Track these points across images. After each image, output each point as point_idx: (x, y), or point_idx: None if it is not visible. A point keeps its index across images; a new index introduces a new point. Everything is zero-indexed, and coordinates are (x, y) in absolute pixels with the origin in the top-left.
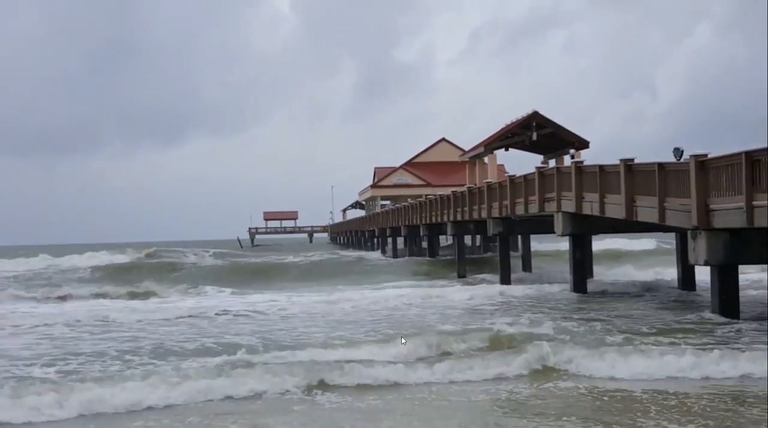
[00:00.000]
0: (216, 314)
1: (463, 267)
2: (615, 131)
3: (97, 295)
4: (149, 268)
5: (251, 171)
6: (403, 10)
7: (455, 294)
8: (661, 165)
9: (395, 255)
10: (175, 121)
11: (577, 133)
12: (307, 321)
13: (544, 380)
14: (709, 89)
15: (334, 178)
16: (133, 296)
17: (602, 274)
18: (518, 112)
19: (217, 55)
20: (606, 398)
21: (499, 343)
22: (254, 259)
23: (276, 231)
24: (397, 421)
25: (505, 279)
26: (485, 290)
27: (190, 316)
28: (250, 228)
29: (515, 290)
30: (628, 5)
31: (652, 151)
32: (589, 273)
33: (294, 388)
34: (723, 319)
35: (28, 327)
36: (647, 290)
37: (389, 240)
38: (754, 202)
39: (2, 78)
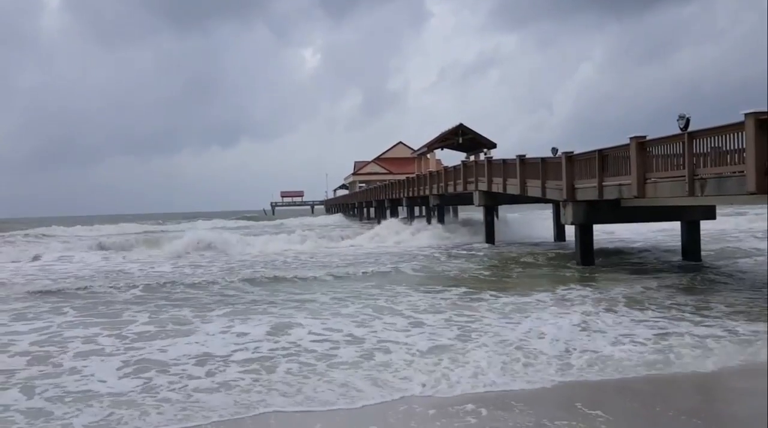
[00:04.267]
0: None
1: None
2: (525, 136)
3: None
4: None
5: (276, 164)
6: (393, 54)
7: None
8: (543, 159)
9: (369, 220)
10: (233, 131)
11: (499, 138)
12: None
13: None
14: (588, 108)
15: (329, 168)
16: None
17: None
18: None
19: (263, 86)
20: None
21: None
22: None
23: (289, 204)
24: None
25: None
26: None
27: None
28: (271, 202)
29: (449, 241)
30: (540, 51)
31: (547, 150)
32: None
33: None
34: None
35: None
36: (533, 243)
37: (364, 210)
38: (603, 183)
39: (124, 100)
